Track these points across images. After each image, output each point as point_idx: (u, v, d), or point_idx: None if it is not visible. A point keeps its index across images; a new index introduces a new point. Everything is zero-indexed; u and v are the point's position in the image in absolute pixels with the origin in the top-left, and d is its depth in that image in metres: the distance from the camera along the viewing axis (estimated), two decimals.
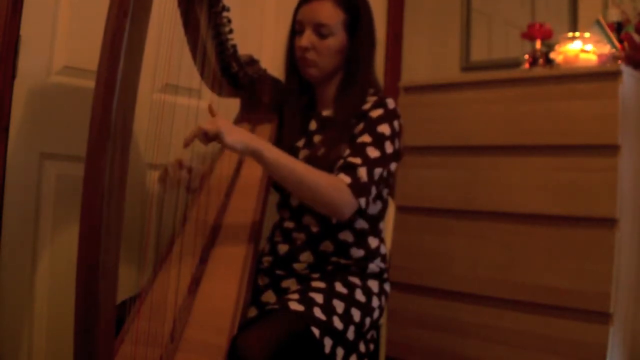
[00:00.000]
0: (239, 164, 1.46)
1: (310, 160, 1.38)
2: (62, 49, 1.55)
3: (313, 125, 1.47)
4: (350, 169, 1.28)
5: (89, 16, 1.49)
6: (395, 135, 1.36)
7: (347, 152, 1.32)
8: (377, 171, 1.30)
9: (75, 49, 1.56)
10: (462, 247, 2.03)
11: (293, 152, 1.45)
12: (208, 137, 1.16)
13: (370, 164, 1.29)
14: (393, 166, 1.37)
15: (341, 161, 1.31)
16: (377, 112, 1.36)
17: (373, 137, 1.32)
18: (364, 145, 1.31)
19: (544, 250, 1.86)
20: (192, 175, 1.36)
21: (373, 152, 1.31)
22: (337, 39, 1.40)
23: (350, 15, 1.40)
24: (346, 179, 1.27)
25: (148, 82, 1.52)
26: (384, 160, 1.32)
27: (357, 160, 1.29)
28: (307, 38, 1.39)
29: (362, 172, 1.28)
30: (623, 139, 1.77)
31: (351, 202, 1.26)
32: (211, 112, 1.22)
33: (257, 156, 1.21)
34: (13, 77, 1.46)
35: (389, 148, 1.33)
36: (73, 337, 0.90)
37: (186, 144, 1.18)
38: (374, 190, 1.31)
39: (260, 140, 1.22)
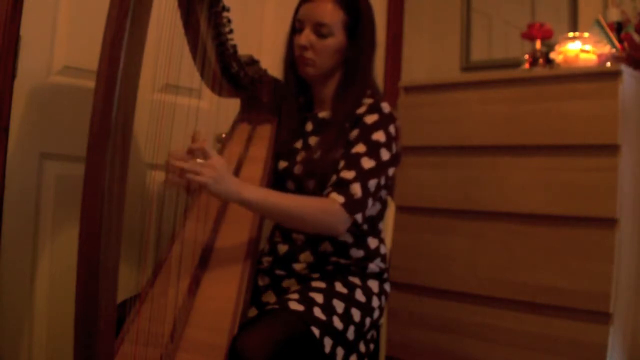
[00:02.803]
0: (239, 165, 1.46)
1: (307, 163, 1.38)
2: (62, 49, 1.55)
3: (309, 127, 1.47)
4: (343, 187, 1.27)
5: (89, 16, 1.49)
6: (391, 141, 1.35)
7: (341, 164, 1.32)
8: (372, 183, 1.30)
9: (75, 49, 1.56)
10: (462, 247, 2.04)
11: (291, 154, 1.45)
12: (191, 187, 1.14)
13: (364, 177, 1.29)
14: (391, 171, 1.36)
15: (334, 177, 1.31)
16: (372, 118, 1.35)
17: (368, 146, 1.32)
18: (358, 156, 1.31)
19: (544, 250, 1.86)
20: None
21: (367, 163, 1.30)
22: (336, 40, 1.40)
23: (351, 16, 1.40)
24: (339, 198, 1.26)
25: (148, 82, 1.52)
26: (379, 169, 1.31)
27: (350, 175, 1.28)
28: (306, 37, 1.39)
29: (356, 188, 1.27)
30: (623, 139, 1.77)
31: (344, 221, 1.27)
32: (202, 148, 1.16)
33: (242, 204, 1.21)
34: (13, 77, 1.46)
35: (385, 155, 1.33)
36: (73, 337, 0.90)
37: (169, 182, 1.18)
38: (370, 202, 1.31)
39: (242, 188, 1.19)
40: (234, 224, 1.34)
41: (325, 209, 1.26)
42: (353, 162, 1.30)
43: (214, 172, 1.14)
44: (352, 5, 1.40)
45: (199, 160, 1.14)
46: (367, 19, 1.43)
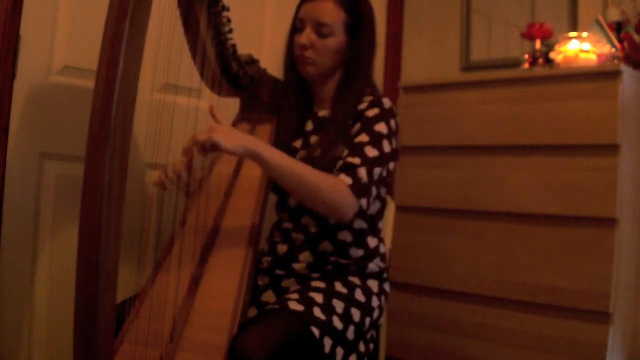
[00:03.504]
0: (239, 164, 1.46)
1: (307, 162, 1.38)
2: (62, 49, 1.55)
3: (309, 126, 1.48)
4: (351, 170, 1.28)
5: (89, 16, 1.49)
6: (392, 135, 1.36)
7: (346, 152, 1.32)
8: (377, 171, 1.30)
9: (75, 49, 1.56)
10: (462, 247, 2.04)
11: (291, 152, 1.45)
12: (205, 148, 1.13)
13: (369, 163, 1.29)
14: (391, 166, 1.37)
15: (340, 162, 1.31)
16: (373, 112, 1.35)
17: (371, 137, 1.32)
18: (362, 145, 1.31)
19: (544, 250, 1.86)
20: (190, 179, 1.36)
21: (371, 152, 1.31)
22: (336, 40, 1.40)
23: (352, 17, 1.40)
24: (347, 180, 1.26)
25: (148, 82, 1.52)
26: (382, 159, 1.32)
27: (357, 161, 1.29)
28: (307, 36, 1.39)
29: (362, 173, 1.28)
30: (623, 139, 1.77)
31: (353, 204, 1.26)
32: (212, 114, 1.20)
33: (258, 159, 1.20)
34: (13, 77, 1.46)
35: (386, 147, 1.33)
36: (73, 337, 0.90)
37: (185, 154, 1.18)
38: (374, 191, 1.31)
39: (260, 143, 1.20)
40: (233, 224, 1.34)
41: (336, 187, 1.25)
42: (357, 150, 1.31)
43: (220, 130, 1.14)
44: (353, 6, 1.40)
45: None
46: (368, 20, 1.43)
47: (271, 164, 1.20)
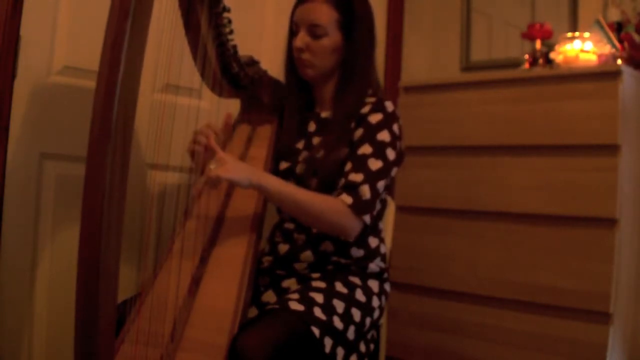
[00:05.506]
0: None
1: (310, 163, 1.38)
2: (62, 49, 1.55)
3: (312, 127, 1.48)
4: (352, 189, 1.29)
5: (89, 16, 1.49)
6: (396, 140, 1.36)
7: (349, 166, 1.32)
8: (381, 184, 1.31)
9: (75, 49, 1.56)
10: (462, 247, 2.04)
11: (293, 154, 1.45)
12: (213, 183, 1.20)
13: (372, 178, 1.30)
14: (394, 171, 1.37)
15: (343, 180, 1.32)
16: (376, 117, 1.35)
17: (374, 147, 1.32)
18: (365, 157, 1.31)
19: (544, 250, 1.86)
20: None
21: (375, 164, 1.31)
22: (331, 39, 1.39)
23: (344, 15, 1.39)
24: (348, 199, 1.28)
25: (149, 82, 1.52)
26: (387, 169, 1.32)
27: (359, 178, 1.29)
28: (302, 39, 1.40)
29: (365, 190, 1.28)
30: (623, 139, 1.77)
31: (355, 224, 1.29)
32: (227, 124, 1.27)
33: (260, 189, 1.26)
34: (13, 77, 1.46)
35: (391, 155, 1.33)
36: (73, 337, 0.90)
37: (198, 194, 1.27)
38: (378, 203, 1.32)
39: (261, 174, 1.26)
40: (234, 224, 1.34)
41: (335, 209, 1.28)
42: (360, 164, 1.31)
43: (224, 169, 1.19)
44: (345, 4, 1.39)
45: (211, 167, 1.19)
46: (362, 17, 1.42)
47: (273, 194, 1.26)
